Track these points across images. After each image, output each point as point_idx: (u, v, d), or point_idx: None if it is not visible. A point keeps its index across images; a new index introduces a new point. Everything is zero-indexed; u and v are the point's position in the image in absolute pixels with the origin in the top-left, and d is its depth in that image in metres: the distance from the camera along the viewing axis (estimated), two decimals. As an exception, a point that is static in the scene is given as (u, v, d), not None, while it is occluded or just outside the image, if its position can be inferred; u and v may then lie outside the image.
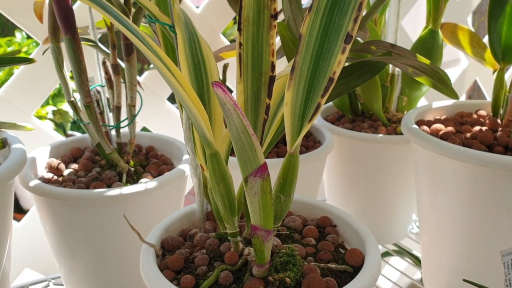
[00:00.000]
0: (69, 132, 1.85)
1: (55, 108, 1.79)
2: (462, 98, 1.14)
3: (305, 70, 0.31)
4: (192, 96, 0.33)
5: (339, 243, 0.39)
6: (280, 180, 0.33)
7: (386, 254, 0.90)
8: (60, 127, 1.84)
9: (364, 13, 0.59)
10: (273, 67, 0.35)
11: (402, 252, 0.81)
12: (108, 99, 0.63)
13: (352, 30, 0.29)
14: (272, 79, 0.35)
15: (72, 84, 0.55)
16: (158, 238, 0.39)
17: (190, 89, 0.34)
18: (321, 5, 0.30)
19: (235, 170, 0.31)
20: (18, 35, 1.79)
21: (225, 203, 0.34)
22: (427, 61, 0.56)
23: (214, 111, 0.38)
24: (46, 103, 1.78)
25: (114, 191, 0.49)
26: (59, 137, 0.73)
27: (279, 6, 0.71)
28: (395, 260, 0.93)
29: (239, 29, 0.34)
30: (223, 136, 0.37)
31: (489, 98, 1.17)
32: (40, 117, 1.72)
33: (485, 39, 0.77)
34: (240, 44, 0.34)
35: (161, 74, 0.32)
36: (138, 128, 0.75)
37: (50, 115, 1.79)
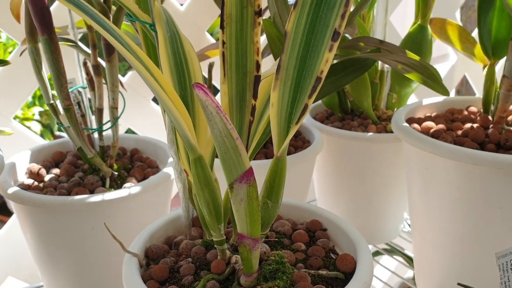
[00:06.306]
0: (57, 133, 1.82)
1: (42, 109, 1.76)
2: (451, 93, 1.14)
3: (291, 70, 0.30)
4: (174, 98, 0.32)
5: (330, 247, 0.38)
6: (267, 185, 0.32)
7: (376, 253, 0.89)
8: (47, 128, 1.81)
9: (351, 9, 0.58)
10: (258, 66, 0.33)
11: (393, 251, 0.80)
12: (90, 100, 0.61)
13: (339, 26, 0.28)
14: (257, 78, 0.33)
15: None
16: (142, 246, 0.37)
17: (172, 91, 0.32)
18: (307, 0, 0.29)
19: (221, 174, 0.30)
20: (3, 35, 1.75)
21: (211, 209, 0.33)
22: (416, 57, 0.54)
23: (198, 113, 0.36)
24: (33, 104, 1.74)
25: (96, 197, 0.47)
26: (41, 141, 0.71)
27: (264, 2, 0.69)
28: (386, 259, 0.92)
29: (222, 27, 0.32)
30: (208, 139, 0.36)
31: (478, 93, 1.16)
32: (27, 119, 1.69)
33: (474, 34, 0.75)
34: (223, 43, 0.33)
35: (141, 76, 0.30)
36: (122, 130, 0.73)
37: (37, 116, 1.76)
